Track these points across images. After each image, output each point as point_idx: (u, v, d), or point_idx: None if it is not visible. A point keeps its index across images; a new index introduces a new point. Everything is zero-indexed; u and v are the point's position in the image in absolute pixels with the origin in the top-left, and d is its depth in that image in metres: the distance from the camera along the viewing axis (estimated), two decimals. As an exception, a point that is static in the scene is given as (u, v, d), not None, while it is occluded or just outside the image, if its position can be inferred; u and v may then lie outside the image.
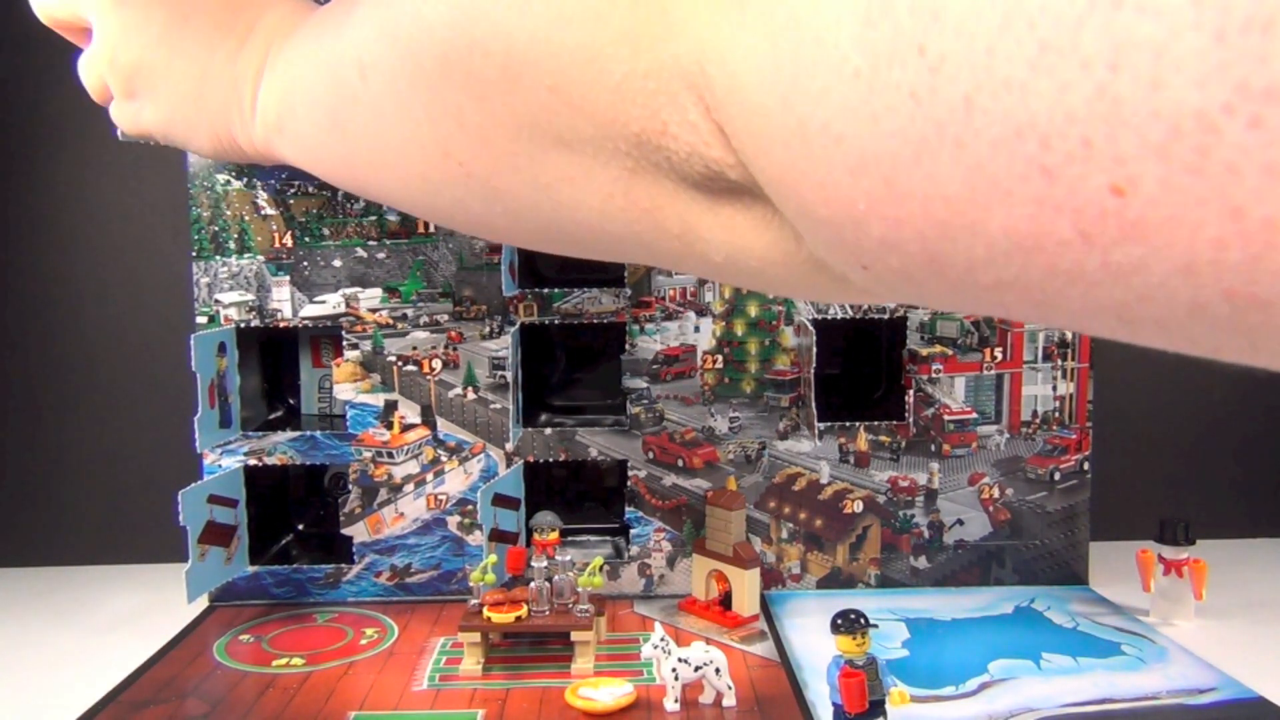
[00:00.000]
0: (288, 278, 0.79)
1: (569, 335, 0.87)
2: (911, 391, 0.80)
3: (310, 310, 0.79)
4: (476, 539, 0.79)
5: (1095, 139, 0.14)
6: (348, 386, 0.79)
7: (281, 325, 0.79)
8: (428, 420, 0.79)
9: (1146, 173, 0.14)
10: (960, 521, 0.80)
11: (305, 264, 0.79)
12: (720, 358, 0.80)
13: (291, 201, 0.78)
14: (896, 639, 0.70)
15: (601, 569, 0.68)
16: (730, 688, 0.60)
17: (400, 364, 0.79)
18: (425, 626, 0.74)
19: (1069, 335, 0.80)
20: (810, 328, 0.78)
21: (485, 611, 0.66)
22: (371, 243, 0.79)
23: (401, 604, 0.78)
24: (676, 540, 0.80)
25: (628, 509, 0.80)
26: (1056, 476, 0.80)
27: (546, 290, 0.80)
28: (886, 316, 0.81)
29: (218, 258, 0.78)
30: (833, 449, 0.80)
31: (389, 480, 0.79)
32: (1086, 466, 0.80)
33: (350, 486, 0.79)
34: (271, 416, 0.87)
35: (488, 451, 0.79)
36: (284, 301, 0.79)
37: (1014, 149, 0.15)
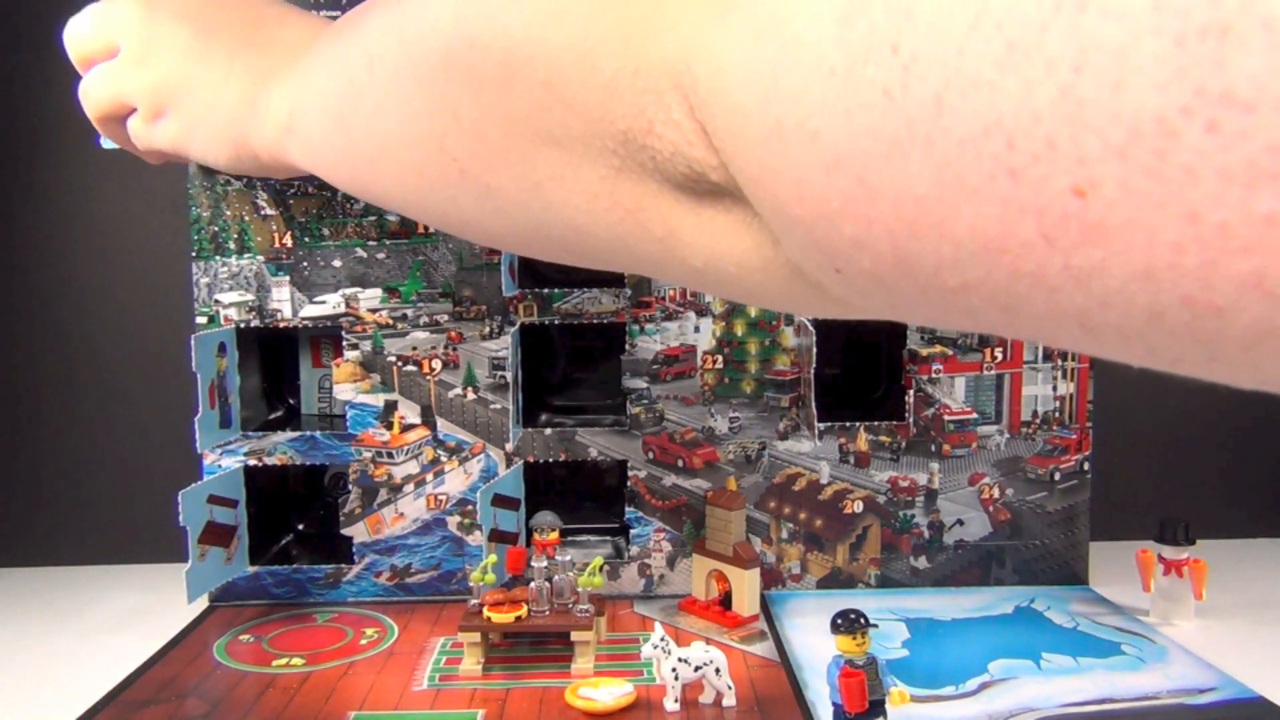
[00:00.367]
0: (287, 278, 0.79)
1: (569, 335, 0.87)
2: (911, 392, 0.80)
3: (310, 310, 0.79)
4: (476, 539, 0.79)
5: (1059, 140, 0.14)
6: (348, 387, 0.79)
7: (281, 325, 0.79)
8: (428, 420, 0.79)
9: (1107, 175, 0.14)
10: (960, 522, 0.80)
11: (305, 264, 0.79)
12: (720, 358, 0.80)
13: (291, 202, 0.78)
14: (896, 639, 0.70)
15: (601, 569, 0.68)
16: (730, 688, 0.60)
17: (400, 364, 0.79)
18: (425, 626, 0.74)
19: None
20: (810, 328, 0.78)
21: (485, 611, 0.66)
22: (371, 243, 0.79)
23: (401, 604, 0.78)
24: (676, 540, 0.80)
25: (628, 509, 0.80)
26: (1056, 476, 0.80)
27: (546, 290, 0.80)
28: (886, 316, 0.81)
29: (217, 258, 0.78)
30: (833, 449, 0.80)
31: (389, 480, 0.79)
32: (1086, 466, 0.80)
33: (350, 487, 0.79)
34: (271, 417, 0.87)
35: (488, 452, 0.79)
36: (284, 302, 0.79)
37: (981, 148, 0.15)
